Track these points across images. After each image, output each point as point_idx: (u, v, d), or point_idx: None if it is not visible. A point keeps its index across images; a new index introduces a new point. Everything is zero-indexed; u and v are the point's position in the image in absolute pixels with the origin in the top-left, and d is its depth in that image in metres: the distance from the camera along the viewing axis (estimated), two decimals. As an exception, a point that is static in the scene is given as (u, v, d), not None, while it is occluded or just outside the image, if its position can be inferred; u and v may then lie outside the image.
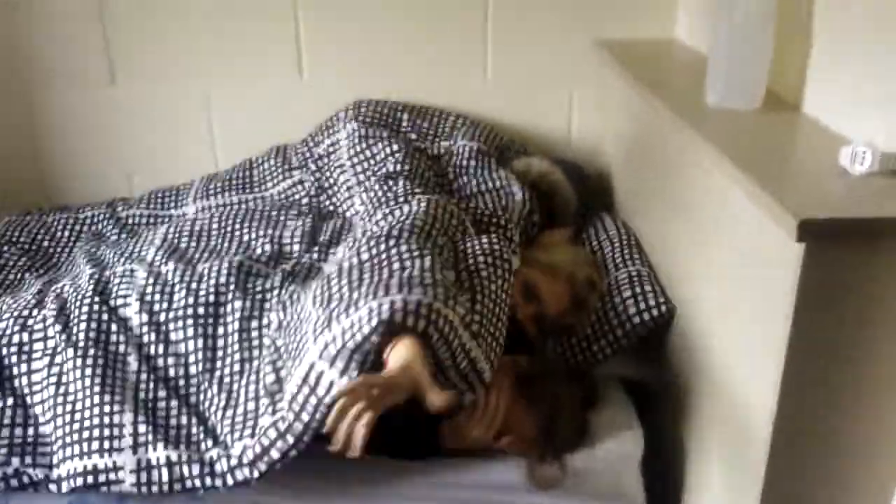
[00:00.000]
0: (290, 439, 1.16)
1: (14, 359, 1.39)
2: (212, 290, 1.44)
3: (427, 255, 1.30)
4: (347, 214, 1.74)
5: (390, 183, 1.64)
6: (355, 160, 1.77)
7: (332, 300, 1.24)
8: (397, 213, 1.47)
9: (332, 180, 1.81)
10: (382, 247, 1.32)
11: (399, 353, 1.11)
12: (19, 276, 1.70)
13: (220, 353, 1.37)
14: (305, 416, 1.15)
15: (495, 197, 1.68)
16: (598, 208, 1.85)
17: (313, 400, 1.14)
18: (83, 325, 1.40)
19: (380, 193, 1.62)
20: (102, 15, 1.88)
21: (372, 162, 1.75)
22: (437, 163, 1.80)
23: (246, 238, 1.64)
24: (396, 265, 1.28)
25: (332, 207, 1.79)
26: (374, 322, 1.13)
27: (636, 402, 1.47)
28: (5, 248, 1.77)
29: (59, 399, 1.33)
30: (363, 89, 1.96)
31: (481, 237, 1.45)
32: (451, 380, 1.21)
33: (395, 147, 1.75)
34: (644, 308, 1.46)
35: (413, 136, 1.86)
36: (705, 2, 1.77)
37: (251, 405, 1.26)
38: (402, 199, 1.55)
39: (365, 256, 1.32)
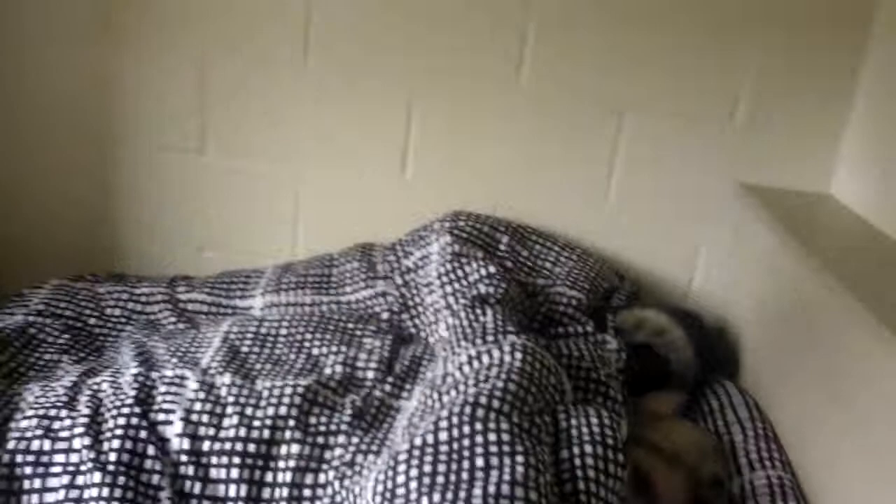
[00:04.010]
0: None
1: (29, 470, 1.18)
2: (268, 422, 1.23)
3: (520, 454, 1.05)
4: (430, 340, 1.51)
5: (478, 311, 1.41)
6: (444, 279, 1.55)
7: (397, 498, 1.03)
8: (485, 359, 1.24)
9: (417, 299, 1.60)
10: (466, 429, 1.08)
11: None
12: (56, 357, 1.49)
13: (264, 508, 1.15)
14: None
15: (588, 345, 1.46)
16: (718, 370, 1.59)
17: None
18: (116, 444, 1.19)
19: (465, 323, 1.40)
20: (202, 88, 1.75)
21: (463, 283, 1.53)
22: (532, 301, 1.57)
23: (315, 352, 1.43)
24: (480, 461, 1.04)
25: (413, 329, 1.57)
26: None
27: None
28: (48, 321, 1.57)
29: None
30: (468, 196, 1.77)
31: (588, 411, 1.21)
32: None
33: (491, 270, 1.54)
34: None
35: (509, 264, 1.64)
36: (871, 159, 1.54)
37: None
38: (490, 338, 1.32)
39: (443, 437, 1.09)
